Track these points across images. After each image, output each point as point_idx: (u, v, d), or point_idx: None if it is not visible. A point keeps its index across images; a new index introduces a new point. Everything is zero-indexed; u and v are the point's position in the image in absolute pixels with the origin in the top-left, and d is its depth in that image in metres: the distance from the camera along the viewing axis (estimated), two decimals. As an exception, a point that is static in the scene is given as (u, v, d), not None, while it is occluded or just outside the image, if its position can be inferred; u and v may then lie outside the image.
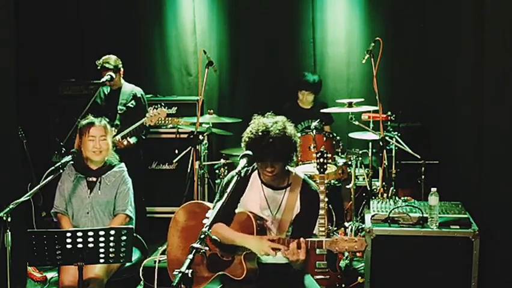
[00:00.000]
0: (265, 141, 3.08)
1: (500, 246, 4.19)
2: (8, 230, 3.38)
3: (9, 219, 3.39)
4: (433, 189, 3.91)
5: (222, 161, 5.45)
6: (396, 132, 5.40)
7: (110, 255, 3.48)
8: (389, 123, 5.50)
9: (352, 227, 5.11)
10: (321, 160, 4.16)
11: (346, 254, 4.80)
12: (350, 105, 5.22)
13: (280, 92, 6.16)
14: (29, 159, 5.47)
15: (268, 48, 6.37)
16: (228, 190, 2.94)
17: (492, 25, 4.24)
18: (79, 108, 5.03)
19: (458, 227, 3.90)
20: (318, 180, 4.22)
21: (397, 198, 4.47)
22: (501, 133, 4.24)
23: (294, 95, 5.90)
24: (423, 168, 5.30)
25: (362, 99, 5.44)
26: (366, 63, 5.17)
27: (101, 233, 3.42)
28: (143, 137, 5.35)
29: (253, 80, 6.42)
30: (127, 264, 3.92)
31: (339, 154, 5.28)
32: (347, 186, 5.33)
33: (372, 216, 4.10)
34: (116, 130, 5.17)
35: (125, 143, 5.07)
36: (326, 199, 4.18)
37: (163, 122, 5.09)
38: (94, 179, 4.11)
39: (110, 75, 5.26)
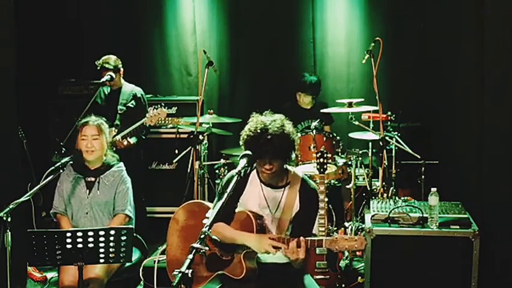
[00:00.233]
0: (264, 138, 3.08)
1: (500, 246, 4.19)
2: (8, 230, 3.38)
3: (9, 219, 3.39)
4: (433, 189, 3.91)
5: (222, 161, 5.45)
6: (396, 132, 5.40)
7: (110, 255, 3.48)
8: (389, 123, 5.50)
9: (352, 227, 5.11)
10: (321, 160, 4.16)
11: (346, 253, 4.80)
12: (350, 105, 5.22)
13: (280, 92, 6.15)
14: (29, 159, 5.47)
15: (268, 48, 6.37)
16: (228, 190, 2.94)
17: (492, 25, 4.24)
18: (79, 108, 5.03)
19: (458, 227, 3.89)
20: (318, 180, 4.22)
21: (397, 198, 4.47)
22: (501, 133, 4.24)
23: (294, 95, 5.90)
24: (423, 168, 5.30)
25: (362, 99, 5.44)
26: (366, 63, 5.17)
27: (101, 233, 3.42)
28: (143, 137, 5.35)
29: (253, 80, 6.42)
30: (127, 264, 3.92)
31: (339, 154, 5.28)
32: (347, 186, 5.33)
33: (372, 216, 4.10)
34: (116, 130, 5.18)
35: (125, 143, 5.07)
36: (326, 199, 4.18)
37: (163, 122, 5.09)
38: (93, 179, 4.11)
39: (110, 75, 5.26)
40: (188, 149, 5.33)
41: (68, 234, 3.41)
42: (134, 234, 3.86)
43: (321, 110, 5.57)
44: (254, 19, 6.39)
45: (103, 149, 4.12)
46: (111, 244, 3.45)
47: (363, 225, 4.45)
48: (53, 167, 3.91)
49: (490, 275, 4.07)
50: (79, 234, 3.42)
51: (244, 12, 6.43)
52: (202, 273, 3.30)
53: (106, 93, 5.50)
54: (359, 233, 3.00)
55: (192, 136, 5.21)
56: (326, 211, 4.17)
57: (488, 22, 4.26)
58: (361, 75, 6.24)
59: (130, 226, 3.87)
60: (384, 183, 5.01)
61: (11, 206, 3.44)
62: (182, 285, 2.45)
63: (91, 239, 3.42)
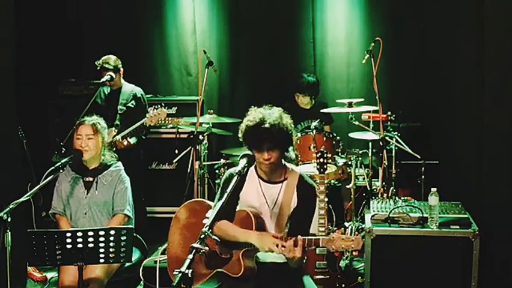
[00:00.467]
0: (262, 128, 3.14)
1: (500, 246, 4.19)
2: (8, 230, 3.38)
3: (9, 219, 3.39)
4: (433, 189, 3.90)
5: (222, 161, 5.45)
6: (396, 132, 5.40)
7: (110, 255, 3.49)
8: (389, 123, 5.50)
9: (352, 227, 5.11)
10: (321, 160, 4.16)
11: (346, 254, 4.80)
12: (350, 105, 5.22)
13: (280, 92, 6.15)
14: (29, 159, 5.47)
15: (268, 48, 6.37)
16: (228, 190, 2.97)
17: (492, 25, 4.24)
18: (79, 108, 5.03)
19: (458, 227, 3.89)
20: (318, 180, 4.22)
21: (397, 198, 4.47)
22: (501, 133, 4.24)
23: (292, 96, 5.90)
24: (423, 168, 5.30)
25: (362, 99, 5.44)
26: (366, 63, 5.17)
27: (101, 233, 3.42)
28: (143, 137, 5.35)
29: (253, 80, 6.42)
30: (127, 264, 3.92)
31: (339, 154, 5.28)
32: (347, 186, 5.33)
33: (372, 216, 4.10)
34: (116, 130, 5.18)
35: (125, 143, 5.07)
36: (326, 199, 4.17)
37: (163, 122, 5.09)
38: (91, 179, 4.11)
39: (110, 75, 5.26)
40: (188, 149, 5.33)
41: (68, 234, 3.42)
42: (134, 234, 3.86)
43: (321, 110, 5.57)
44: (254, 19, 6.39)
45: (98, 149, 4.10)
46: (111, 244, 3.45)
47: (363, 225, 4.45)
48: (53, 167, 3.92)
49: (490, 275, 4.07)
50: (79, 234, 3.42)
51: (244, 12, 6.43)
52: (201, 271, 3.30)
53: (106, 93, 5.50)
54: (357, 232, 3.00)
55: (192, 136, 5.21)
56: (326, 211, 4.16)
57: (488, 22, 4.26)
58: (361, 75, 6.24)
59: (130, 226, 3.87)
60: (384, 183, 5.01)
61: (11, 206, 3.44)
62: (182, 285, 2.46)
63: (91, 239, 3.42)
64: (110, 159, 4.19)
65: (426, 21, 5.94)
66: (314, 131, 5.07)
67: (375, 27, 6.18)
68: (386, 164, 5.03)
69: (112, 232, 3.44)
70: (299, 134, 5.26)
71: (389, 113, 5.43)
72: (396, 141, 5.24)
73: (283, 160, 3.35)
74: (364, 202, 5.33)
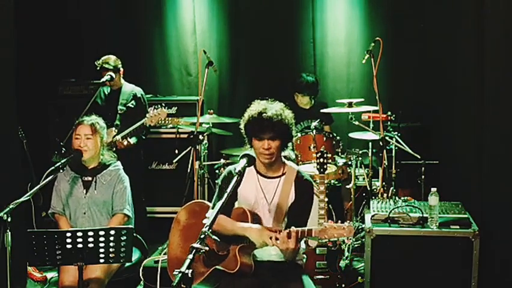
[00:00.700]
0: (264, 117, 3.24)
1: (500, 246, 4.19)
2: (8, 230, 3.38)
3: (9, 219, 3.38)
4: (433, 189, 3.91)
5: (222, 161, 5.45)
6: (396, 132, 5.40)
7: (110, 255, 3.49)
8: (389, 123, 5.50)
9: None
10: (321, 160, 4.16)
11: (346, 253, 4.80)
12: (350, 105, 5.22)
13: (280, 92, 6.13)
14: (29, 159, 5.47)
15: (268, 48, 6.37)
16: (228, 190, 2.98)
17: (492, 25, 4.24)
18: (79, 108, 5.03)
19: (458, 227, 3.89)
20: (318, 180, 4.22)
21: (397, 198, 4.47)
22: (501, 133, 4.24)
23: (292, 95, 5.90)
24: (423, 168, 5.30)
25: (362, 99, 5.44)
26: (366, 63, 5.17)
27: (101, 233, 3.42)
28: (144, 137, 5.35)
29: (253, 80, 6.42)
30: (127, 264, 3.92)
31: (339, 154, 5.27)
32: (347, 186, 5.33)
33: (372, 216, 4.10)
34: (116, 130, 5.18)
35: (125, 143, 5.07)
36: (326, 199, 4.18)
37: (163, 122, 5.09)
38: (90, 179, 4.10)
39: (110, 75, 5.27)
40: (188, 149, 5.33)
41: (68, 234, 3.42)
42: (134, 234, 3.86)
43: (321, 110, 5.58)
44: (254, 19, 6.39)
45: (97, 149, 4.10)
46: (111, 244, 3.45)
47: (363, 225, 4.45)
48: (53, 167, 3.91)
49: (490, 275, 4.07)
50: (79, 234, 3.42)
51: (244, 12, 6.43)
52: (199, 269, 3.31)
53: (106, 93, 5.50)
54: (348, 221, 3.05)
55: (192, 136, 5.21)
56: (326, 211, 4.17)
57: (488, 22, 4.26)
58: (361, 75, 6.24)
59: (130, 226, 3.87)
60: (384, 183, 5.01)
61: (11, 206, 3.44)
62: (182, 285, 2.46)
63: (90, 239, 3.42)
64: (109, 159, 4.19)
65: (426, 21, 5.94)
66: (314, 131, 5.07)
67: (375, 27, 6.18)
68: (386, 164, 5.03)
69: (112, 232, 3.44)
70: (299, 134, 5.26)
71: (389, 113, 5.43)
72: (396, 141, 5.24)
73: (282, 157, 3.41)
74: (364, 202, 5.33)
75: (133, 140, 5.15)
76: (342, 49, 6.32)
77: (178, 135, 5.80)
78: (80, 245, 3.42)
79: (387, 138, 5.08)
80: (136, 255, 4.09)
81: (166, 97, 6.21)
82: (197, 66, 6.27)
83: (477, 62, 4.43)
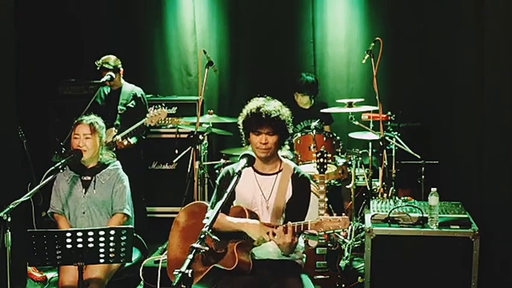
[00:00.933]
0: (262, 112, 3.30)
1: (500, 246, 4.19)
2: (8, 230, 3.38)
3: (9, 219, 3.38)
4: (433, 189, 3.90)
5: (222, 161, 5.45)
6: (396, 132, 5.40)
7: (110, 255, 3.48)
8: (389, 123, 5.50)
9: (352, 227, 5.11)
10: (321, 160, 4.16)
11: (346, 253, 4.80)
12: (350, 105, 5.22)
13: (280, 92, 6.11)
14: (29, 159, 5.47)
15: (268, 48, 6.37)
16: (228, 190, 2.99)
17: (492, 25, 4.24)
18: (79, 108, 5.03)
19: (458, 227, 3.89)
20: (318, 180, 4.22)
21: (397, 198, 4.47)
22: (501, 133, 4.24)
23: (292, 95, 5.90)
24: (423, 168, 5.30)
25: (362, 99, 5.44)
26: (366, 63, 5.17)
27: (101, 233, 3.42)
28: (144, 137, 5.35)
29: (253, 80, 6.42)
30: (127, 264, 3.92)
31: (339, 154, 5.28)
32: (347, 186, 5.33)
33: (372, 216, 4.10)
34: (116, 130, 5.18)
35: (125, 143, 5.07)
36: (326, 199, 4.18)
37: (163, 122, 5.09)
38: (89, 178, 4.10)
39: (110, 75, 5.27)
40: (188, 149, 5.33)
41: (68, 234, 3.41)
42: (134, 234, 3.86)
43: (321, 110, 5.58)
44: (254, 19, 6.39)
45: (96, 148, 4.09)
46: (111, 244, 3.45)
47: (363, 225, 4.45)
48: (53, 167, 3.91)
49: (490, 275, 4.07)
50: (79, 234, 3.41)
51: (244, 12, 6.43)
52: (198, 269, 3.32)
53: (106, 93, 5.50)
54: (343, 214, 3.08)
55: (192, 136, 5.21)
56: (326, 211, 4.17)
57: (488, 22, 4.26)
58: (361, 75, 6.24)
59: (130, 226, 3.87)
60: (384, 183, 5.01)
61: (11, 206, 3.43)
62: (182, 285, 2.46)
63: (90, 239, 3.42)
64: (108, 159, 4.19)
65: (426, 21, 5.93)
66: (314, 131, 5.07)
67: (375, 27, 6.18)
68: (386, 164, 5.03)
69: (112, 232, 3.44)
70: (299, 134, 5.26)
71: (389, 113, 5.43)
72: (396, 141, 5.24)
73: (279, 155, 3.44)
74: (364, 202, 5.34)
75: (133, 140, 5.15)
76: (342, 49, 6.32)
77: (178, 135, 5.80)
78: (80, 245, 3.42)
79: (387, 138, 5.08)
80: (136, 255, 4.09)
81: (166, 97, 6.21)
82: (197, 66, 6.27)
83: (477, 62, 4.43)
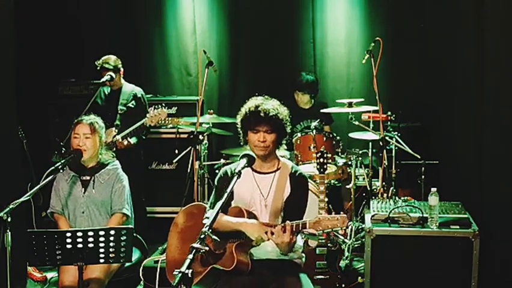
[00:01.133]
0: (260, 110, 3.33)
1: (500, 246, 4.19)
2: (8, 230, 3.38)
3: (9, 219, 3.38)
4: (433, 189, 3.90)
5: (222, 161, 5.45)
6: (396, 132, 5.40)
7: (110, 255, 3.48)
8: (389, 123, 5.50)
9: (352, 227, 5.11)
10: (321, 160, 4.16)
11: (346, 253, 4.80)
12: (350, 105, 5.22)
13: (280, 92, 6.11)
14: (29, 159, 5.47)
15: (268, 48, 6.37)
16: (228, 190, 2.99)
17: (492, 25, 4.23)
18: (79, 108, 5.03)
19: (458, 227, 3.89)
20: (318, 180, 4.22)
21: (397, 198, 4.47)
22: (501, 133, 4.24)
23: (292, 95, 5.90)
24: (423, 168, 5.30)
25: (362, 99, 5.44)
26: (366, 63, 5.17)
27: (101, 233, 3.42)
28: (144, 137, 5.35)
29: (253, 80, 6.42)
30: (127, 264, 3.92)
31: (339, 154, 5.28)
32: (347, 186, 5.33)
33: (372, 216, 4.09)
34: (116, 130, 5.18)
35: (125, 143, 5.07)
36: (326, 199, 4.18)
37: (163, 122, 5.09)
38: (88, 178, 4.10)
39: (110, 75, 5.27)
40: (188, 149, 5.33)
41: (68, 234, 3.41)
42: (134, 234, 3.86)
43: (321, 110, 5.57)
44: (254, 19, 6.39)
45: (96, 148, 4.09)
46: (111, 244, 3.45)
47: (363, 225, 4.45)
48: (53, 167, 3.91)
49: (490, 275, 4.07)
50: (79, 234, 3.41)
51: (244, 12, 6.43)
52: (197, 269, 3.32)
53: (106, 93, 5.50)
54: (341, 212, 3.09)
55: (192, 136, 5.21)
56: (326, 211, 4.17)
57: (488, 22, 4.26)
58: (361, 75, 6.24)
59: (130, 226, 3.87)
60: (384, 183, 5.01)
61: (11, 206, 3.43)
62: (182, 285, 2.45)
63: (90, 239, 3.42)
64: (107, 158, 4.18)
65: (426, 21, 5.93)
66: (314, 131, 5.07)
67: (375, 27, 6.18)
68: (386, 164, 5.02)
69: (112, 232, 3.44)
70: (299, 134, 5.26)
71: (389, 113, 5.43)
72: (396, 141, 5.24)
73: (277, 154, 3.46)
74: (364, 202, 5.33)
75: (133, 140, 5.15)
76: (342, 49, 6.32)
77: (178, 135, 5.80)
78: (80, 245, 3.42)
79: (387, 138, 5.08)
80: (136, 255, 4.09)
81: (166, 97, 6.21)
82: (197, 66, 6.27)
83: (477, 62, 4.43)
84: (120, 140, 5.03)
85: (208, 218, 2.82)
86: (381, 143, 5.02)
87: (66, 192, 4.09)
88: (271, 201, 3.39)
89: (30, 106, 5.68)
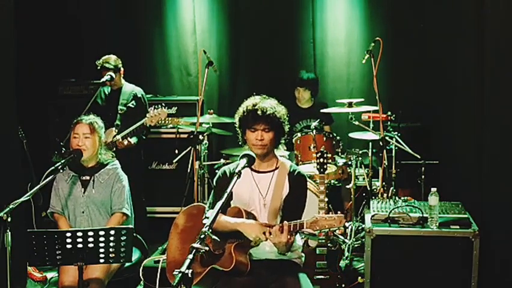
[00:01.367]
0: (258, 108, 3.34)
1: (500, 246, 4.19)
2: (8, 230, 3.38)
3: (9, 219, 3.38)
4: (433, 189, 3.90)
5: (222, 161, 5.45)
6: (396, 132, 5.40)
7: (110, 255, 3.48)
8: (389, 123, 5.50)
9: (352, 227, 5.11)
10: (321, 160, 4.17)
11: (346, 253, 4.80)
12: (350, 105, 5.22)
13: (280, 92, 6.11)
14: (29, 159, 5.47)
15: (268, 48, 6.37)
16: (228, 190, 2.98)
17: (492, 25, 4.23)
18: (79, 108, 5.03)
19: (458, 227, 3.89)
20: (318, 180, 4.22)
21: (397, 198, 4.47)
22: (501, 133, 4.24)
23: (292, 94, 5.90)
24: (423, 168, 5.30)
25: (362, 99, 5.44)
26: (366, 63, 5.17)
27: (101, 233, 3.42)
28: (144, 137, 5.35)
29: (253, 80, 6.42)
30: (127, 264, 3.92)
31: (339, 154, 5.28)
32: (347, 186, 5.33)
33: (372, 216, 4.10)
34: (116, 130, 5.18)
35: (125, 143, 5.07)
36: (326, 199, 4.18)
37: (163, 122, 5.09)
38: (88, 178, 4.10)
39: (110, 75, 5.27)
40: (188, 149, 5.34)
41: (68, 234, 3.41)
42: (134, 234, 3.86)
43: (321, 110, 5.58)
44: (254, 19, 6.39)
45: (95, 148, 4.09)
46: (111, 244, 3.45)
47: (363, 225, 4.45)
48: (53, 167, 3.91)
49: (490, 275, 4.07)
50: (79, 234, 3.41)
51: (244, 12, 6.43)
52: (196, 269, 3.32)
53: (107, 93, 5.50)
54: (339, 212, 3.09)
55: (192, 136, 5.21)
56: (326, 211, 4.17)
57: (488, 22, 4.26)
58: (361, 75, 6.25)
59: (130, 226, 3.87)
60: (384, 183, 5.01)
61: (11, 206, 3.43)
62: (182, 285, 2.45)
63: (91, 239, 3.42)
64: (107, 158, 4.18)
65: (426, 21, 5.94)
66: (314, 131, 5.07)
67: (375, 27, 6.18)
68: (386, 164, 5.02)
69: (112, 232, 3.44)
70: (299, 134, 5.26)
71: (389, 113, 5.43)
72: (396, 141, 5.24)
73: (276, 153, 3.47)
74: (364, 202, 5.34)
75: (133, 140, 5.15)
76: (342, 49, 6.32)
77: (178, 135, 5.80)
78: (80, 245, 3.42)
79: (387, 138, 5.08)
80: (136, 255, 4.09)
81: (166, 97, 6.21)
82: (197, 66, 6.27)
83: (477, 62, 4.43)
84: (120, 140, 5.03)
85: (208, 218, 2.82)
86: (381, 143, 5.01)
87: (66, 192, 4.09)
88: (270, 200, 3.39)
89: (30, 106, 5.68)
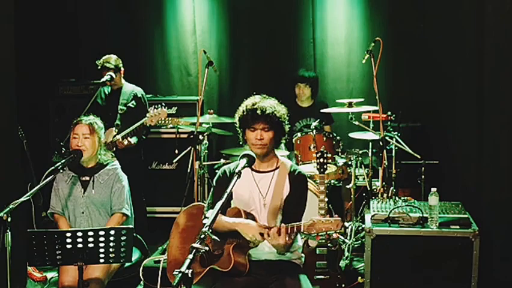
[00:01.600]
0: (257, 108, 3.34)
1: (500, 246, 4.19)
2: (8, 230, 3.38)
3: (9, 219, 3.38)
4: (433, 189, 3.91)
5: (222, 161, 5.45)
6: (396, 132, 5.40)
7: (110, 255, 3.49)
8: (389, 123, 5.50)
9: (352, 227, 5.11)
10: (321, 160, 4.16)
11: (346, 253, 4.80)
12: (350, 105, 5.22)
13: (280, 92, 6.11)
14: (29, 159, 5.47)
15: (268, 48, 6.38)
16: (228, 190, 2.98)
17: (492, 25, 4.24)
18: (79, 108, 5.03)
19: (458, 227, 3.89)
20: (318, 180, 4.22)
21: (397, 198, 4.47)
22: (501, 133, 4.24)
23: (292, 94, 5.90)
24: (423, 168, 5.30)
25: (362, 99, 5.44)
26: (366, 63, 5.17)
27: (101, 233, 3.42)
28: (144, 137, 5.35)
29: (253, 80, 6.42)
30: (127, 264, 3.92)
31: (339, 154, 5.28)
32: (347, 186, 5.33)
33: (372, 216, 4.10)
34: (116, 130, 5.18)
35: (125, 142, 5.07)
36: (326, 199, 4.18)
37: (163, 122, 5.09)
38: (88, 178, 4.10)
39: (110, 75, 5.27)
40: (188, 149, 5.33)
41: (68, 234, 3.42)
42: (134, 234, 3.86)
43: (321, 110, 5.57)
44: (254, 19, 6.39)
45: (95, 149, 4.09)
46: (111, 244, 3.45)
47: (363, 225, 4.45)
48: (53, 167, 3.91)
49: (490, 275, 4.07)
50: (79, 234, 3.42)
51: (244, 12, 6.43)
52: (196, 269, 3.32)
53: (107, 93, 5.50)
54: (336, 215, 3.10)
55: (192, 136, 5.21)
56: (326, 211, 4.17)
57: (488, 22, 4.26)
58: (361, 75, 6.25)
59: (130, 226, 3.87)
60: (384, 183, 5.01)
61: (11, 206, 3.43)
62: (182, 285, 2.45)
63: (91, 239, 3.42)
64: (106, 159, 4.18)
65: (426, 21, 5.94)
66: (314, 131, 5.07)
67: (375, 27, 6.18)
68: (386, 164, 5.02)
69: (112, 232, 3.44)
70: (299, 134, 5.26)
71: (389, 113, 5.43)
72: (396, 141, 5.24)
73: (276, 153, 3.47)
74: (364, 202, 5.34)
75: (133, 140, 5.16)
76: (342, 49, 6.33)
77: (178, 135, 5.80)
78: (80, 245, 3.42)
79: (387, 138, 5.08)
80: (136, 255, 4.09)
81: (166, 97, 6.21)
82: (197, 66, 6.27)
83: (477, 62, 4.43)
84: (120, 140, 5.03)
85: (207, 218, 2.82)
86: (381, 143, 5.01)
87: (66, 193, 4.09)
88: (270, 200, 3.38)
89: (30, 106, 5.68)
